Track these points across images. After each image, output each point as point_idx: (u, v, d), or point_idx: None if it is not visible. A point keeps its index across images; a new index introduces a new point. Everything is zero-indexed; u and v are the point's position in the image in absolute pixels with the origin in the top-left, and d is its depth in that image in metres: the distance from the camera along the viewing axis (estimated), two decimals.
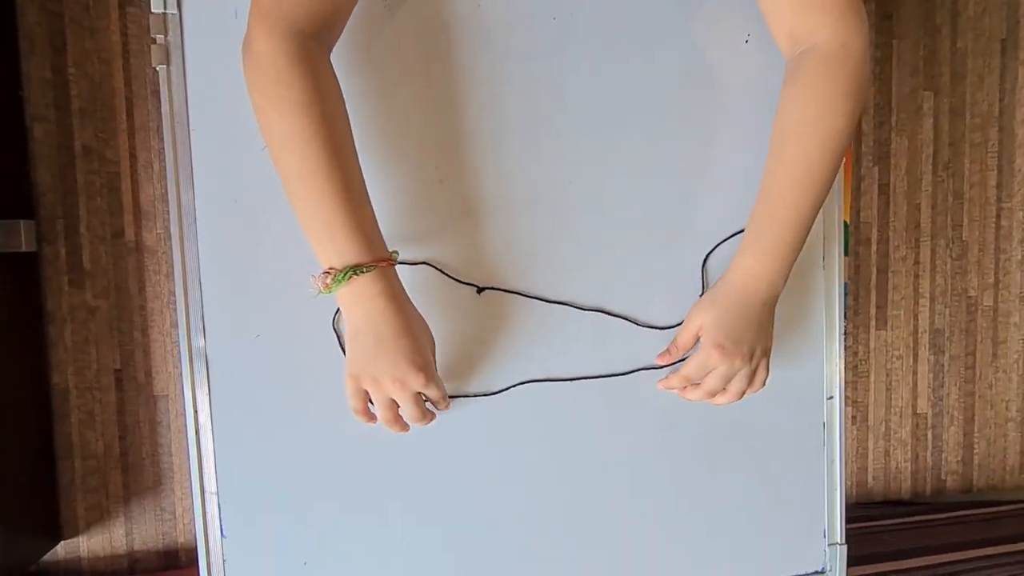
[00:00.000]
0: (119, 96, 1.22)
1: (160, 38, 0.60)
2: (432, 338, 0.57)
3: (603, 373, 0.66)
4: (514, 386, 0.65)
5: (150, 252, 1.25)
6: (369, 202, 0.54)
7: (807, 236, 0.58)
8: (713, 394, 0.61)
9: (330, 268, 0.51)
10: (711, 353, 0.58)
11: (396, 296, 0.53)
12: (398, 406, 0.55)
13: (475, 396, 0.65)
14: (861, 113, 0.57)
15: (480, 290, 0.63)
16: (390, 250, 0.55)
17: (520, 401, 0.65)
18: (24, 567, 1.19)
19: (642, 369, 0.67)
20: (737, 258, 0.60)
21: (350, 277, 0.51)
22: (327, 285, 0.51)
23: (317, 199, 0.50)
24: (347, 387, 0.55)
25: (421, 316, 0.56)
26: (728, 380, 0.59)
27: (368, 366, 0.53)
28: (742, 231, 0.61)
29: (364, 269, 0.51)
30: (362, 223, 0.52)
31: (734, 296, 0.58)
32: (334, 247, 0.51)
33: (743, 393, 0.60)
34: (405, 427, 0.57)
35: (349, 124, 0.54)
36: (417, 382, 0.53)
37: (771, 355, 0.61)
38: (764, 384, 0.61)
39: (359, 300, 0.52)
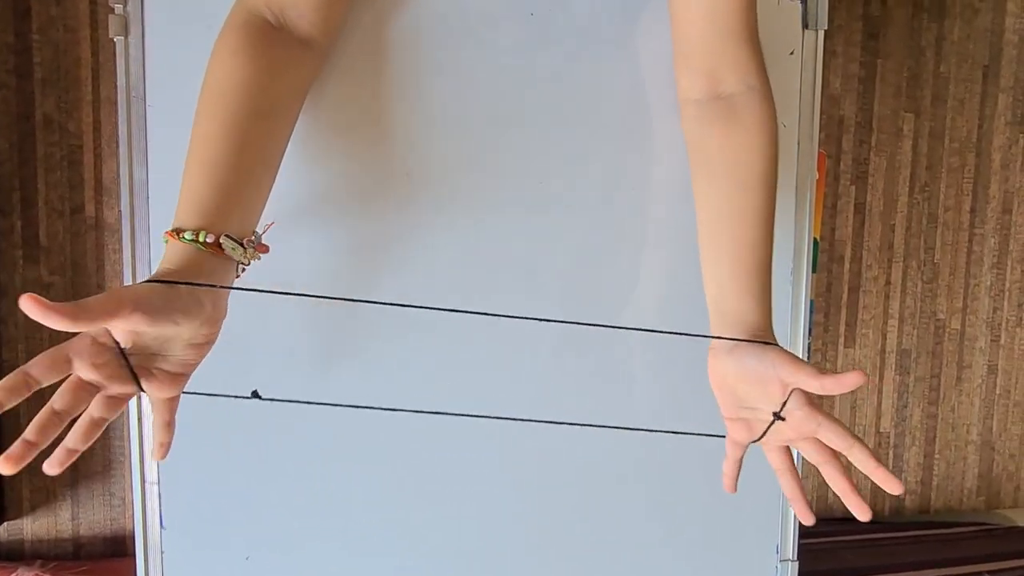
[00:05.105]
0: (84, 66, 1.18)
1: (119, 7, 0.59)
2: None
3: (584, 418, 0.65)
4: (470, 416, 0.64)
5: (110, 230, 1.22)
6: (246, 201, 0.50)
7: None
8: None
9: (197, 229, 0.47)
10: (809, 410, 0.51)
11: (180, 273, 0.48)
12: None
13: (430, 414, 0.63)
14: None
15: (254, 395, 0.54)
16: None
17: (469, 408, 0.64)
18: None
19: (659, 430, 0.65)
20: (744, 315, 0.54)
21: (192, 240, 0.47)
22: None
23: (192, 163, 0.49)
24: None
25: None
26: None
27: None
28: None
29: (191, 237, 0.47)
30: (217, 202, 0.48)
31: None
32: (181, 208, 0.48)
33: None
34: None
35: (278, 119, 0.52)
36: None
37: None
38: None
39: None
